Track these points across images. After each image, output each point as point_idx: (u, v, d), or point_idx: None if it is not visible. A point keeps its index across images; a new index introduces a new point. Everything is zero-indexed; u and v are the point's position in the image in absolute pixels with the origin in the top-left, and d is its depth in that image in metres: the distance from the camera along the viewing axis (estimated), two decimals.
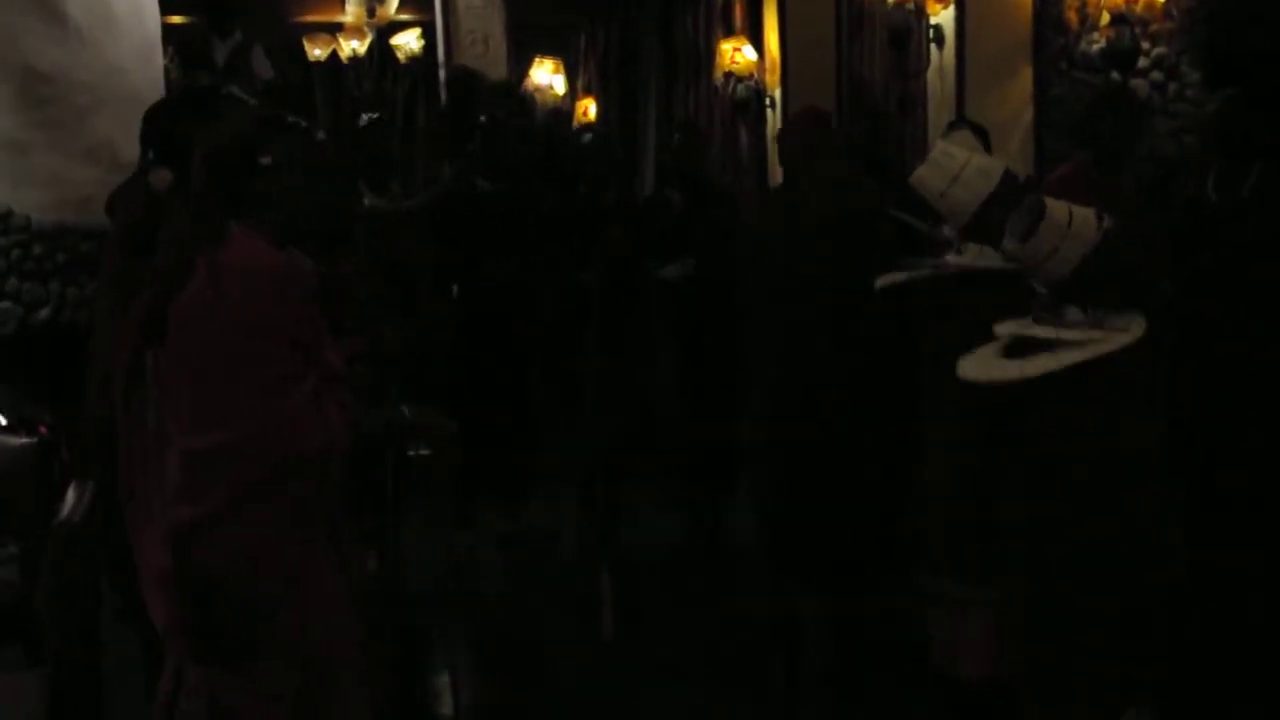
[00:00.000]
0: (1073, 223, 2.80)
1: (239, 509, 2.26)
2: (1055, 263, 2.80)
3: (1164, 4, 5.31)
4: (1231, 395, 3.15)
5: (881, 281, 3.34)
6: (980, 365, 2.78)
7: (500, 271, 5.48)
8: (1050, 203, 2.82)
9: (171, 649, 2.34)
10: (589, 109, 10.94)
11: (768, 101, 7.66)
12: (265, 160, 2.40)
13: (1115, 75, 5.42)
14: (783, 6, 7.54)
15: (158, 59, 6.19)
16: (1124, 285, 2.83)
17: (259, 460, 2.27)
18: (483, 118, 5.56)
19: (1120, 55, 5.35)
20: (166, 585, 2.25)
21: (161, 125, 3.48)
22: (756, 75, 7.67)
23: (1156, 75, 5.47)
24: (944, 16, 5.64)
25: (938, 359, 3.00)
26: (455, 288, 5.60)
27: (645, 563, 5.15)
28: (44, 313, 5.12)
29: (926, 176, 3.10)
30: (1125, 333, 2.74)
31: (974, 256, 3.14)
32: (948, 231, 3.25)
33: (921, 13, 5.64)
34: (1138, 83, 5.45)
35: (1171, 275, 3.32)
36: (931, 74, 5.81)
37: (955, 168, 3.10)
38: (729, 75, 7.71)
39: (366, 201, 5.47)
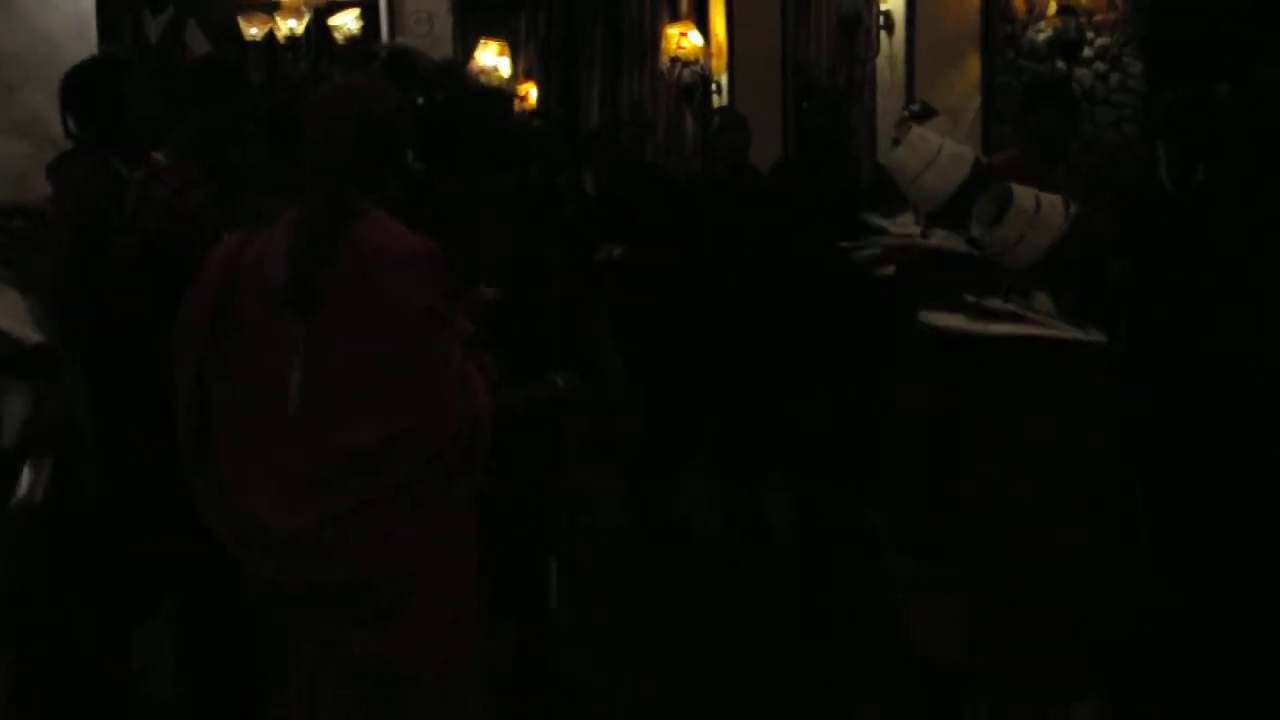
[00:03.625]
0: (1040, 209, 2.82)
1: (397, 492, 2.19)
2: (1023, 249, 2.82)
3: None
4: (1196, 383, 3.21)
5: (860, 256, 3.36)
6: (945, 319, 2.80)
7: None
8: (1017, 190, 2.84)
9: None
10: (530, 93, 10.90)
11: (714, 86, 7.67)
12: (404, 143, 2.36)
13: (1060, 64, 5.49)
14: None
15: (91, 32, 6.05)
16: (1092, 271, 2.86)
17: (418, 448, 2.18)
18: (420, 98, 5.46)
19: (1065, 45, 5.42)
20: (298, 559, 2.18)
21: (83, 89, 3.36)
22: (702, 60, 7.68)
23: (1100, 65, 5.55)
24: (894, 3, 5.69)
25: (906, 334, 3.02)
26: None
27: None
28: None
29: (903, 159, 3.12)
30: (1088, 333, 2.78)
31: (940, 242, 3.17)
32: (913, 218, 3.27)
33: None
34: (1081, 72, 5.53)
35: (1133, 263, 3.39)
36: (881, 60, 5.86)
37: (931, 152, 3.13)
38: (675, 60, 7.71)
39: None
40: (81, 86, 3.37)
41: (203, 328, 2.24)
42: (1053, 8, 5.41)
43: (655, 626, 4.33)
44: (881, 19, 5.75)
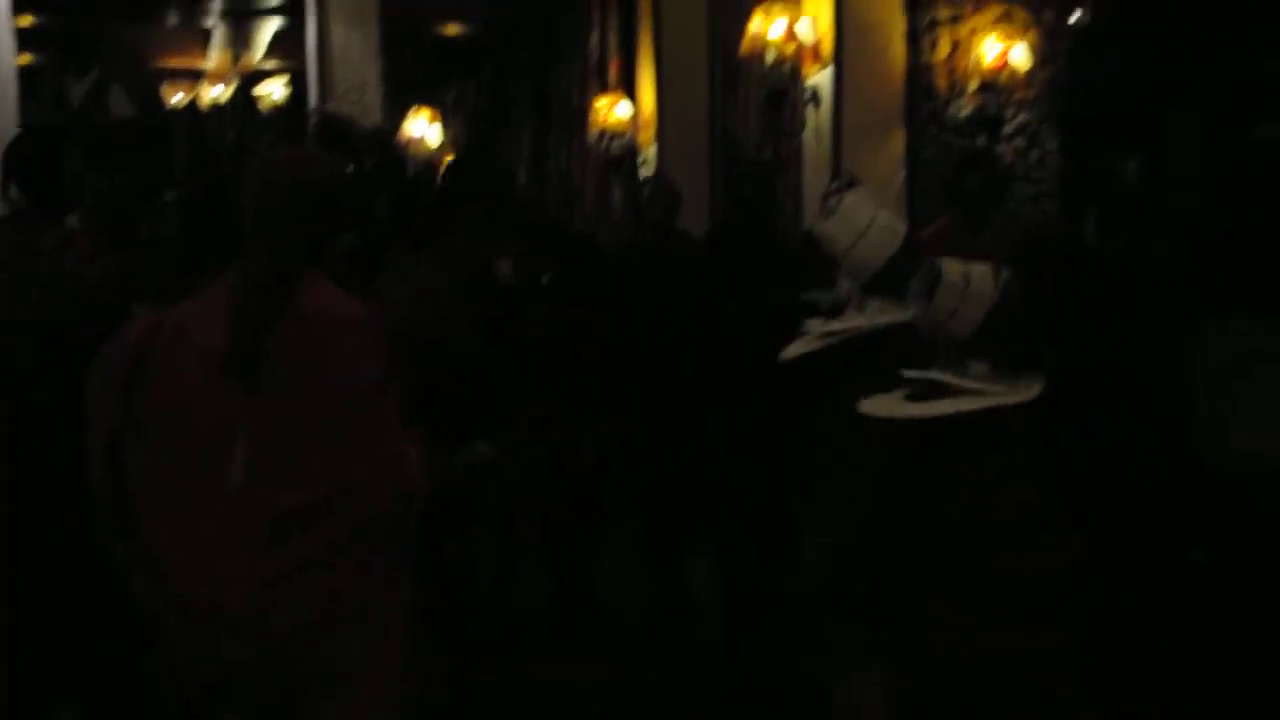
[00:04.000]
0: (970, 282, 2.86)
1: (325, 563, 2.16)
2: (957, 322, 2.85)
3: (1026, 74, 5.54)
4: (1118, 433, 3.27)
5: (790, 352, 3.36)
6: (882, 405, 2.81)
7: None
8: (946, 264, 2.88)
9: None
10: None
11: (641, 159, 7.74)
12: (346, 206, 2.41)
13: (982, 140, 5.63)
14: (658, 64, 7.65)
15: (11, 93, 6.00)
16: (1027, 337, 2.90)
17: (350, 516, 2.17)
18: (351, 166, 5.45)
19: (986, 121, 5.57)
20: (242, 630, 2.13)
21: (24, 159, 3.34)
22: (631, 133, 7.75)
23: (1019, 141, 5.70)
24: (820, 78, 5.79)
25: (840, 407, 3.03)
26: None
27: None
28: None
29: (834, 231, 3.14)
30: (1027, 390, 2.81)
31: (875, 312, 3.19)
32: (845, 288, 3.29)
33: (798, 75, 5.78)
34: (1002, 148, 5.67)
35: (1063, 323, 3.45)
36: (808, 134, 5.95)
37: (862, 224, 3.16)
38: (603, 132, 7.78)
39: None
40: (20, 156, 3.35)
41: (115, 399, 2.21)
42: (974, 85, 5.55)
43: (577, 701, 4.26)
44: (808, 94, 5.85)
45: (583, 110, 8.50)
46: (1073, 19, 5.69)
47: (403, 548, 2.26)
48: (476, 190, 3.66)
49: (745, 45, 5.80)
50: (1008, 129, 5.68)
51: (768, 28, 5.69)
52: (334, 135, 5.63)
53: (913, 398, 2.84)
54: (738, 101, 7.02)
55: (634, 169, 7.78)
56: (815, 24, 5.73)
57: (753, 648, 4.45)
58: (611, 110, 7.80)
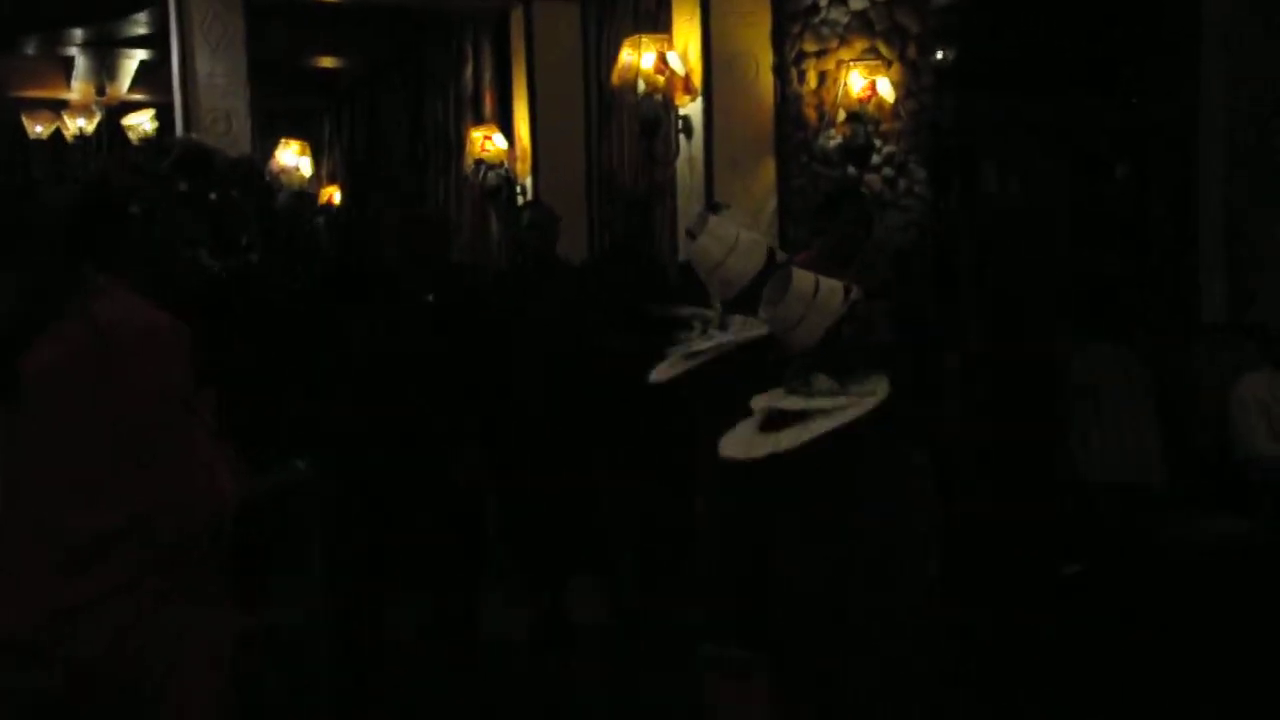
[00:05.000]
0: (819, 293, 2.92)
1: (129, 586, 2.04)
2: (803, 331, 2.91)
3: (893, 106, 5.67)
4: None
5: (658, 375, 3.37)
6: (739, 444, 2.84)
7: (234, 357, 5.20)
8: (797, 273, 2.93)
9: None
10: (334, 195, 10.77)
11: (518, 189, 7.72)
12: (135, 210, 2.22)
13: (851, 170, 5.74)
14: (533, 96, 7.65)
15: None
16: (870, 354, 2.95)
17: (156, 536, 2.06)
18: (213, 194, 5.31)
19: (855, 151, 5.68)
20: (38, 659, 2.00)
21: None
22: (507, 163, 7.73)
23: (888, 171, 5.82)
24: (692, 109, 5.85)
25: (708, 431, 3.04)
26: None
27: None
28: None
29: (706, 246, 3.19)
30: (872, 396, 2.86)
31: (738, 328, 3.23)
32: (713, 307, 3.33)
33: (670, 104, 5.83)
34: (871, 178, 5.79)
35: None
36: (680, 163, 6.00)
37: (730, 239, 3.22)
38: (479, 163, 7.74)
39: None
40: None
41: None
42: (841, 116, 5.65)
43: None
44: (680, 123, 5.90)
45: (459, 142, 8.44)
46: (937, 57, 5.86)
47: (216, 568, 2.17)
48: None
49: (616, 75, 5.83)
50: (876, 159, 5.80)
51: (638, 59, 5.72)
52: (195, 162, 5.49)
53: (765, 427, 2.87)
54: (612, 132, 7.06)
55: (511, 198, 7.75)
56: (685, 56, 5.78)
57: (636, 673, 4.43)
58: (487, 141, 7.77)
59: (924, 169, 5.82)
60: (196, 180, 5.69)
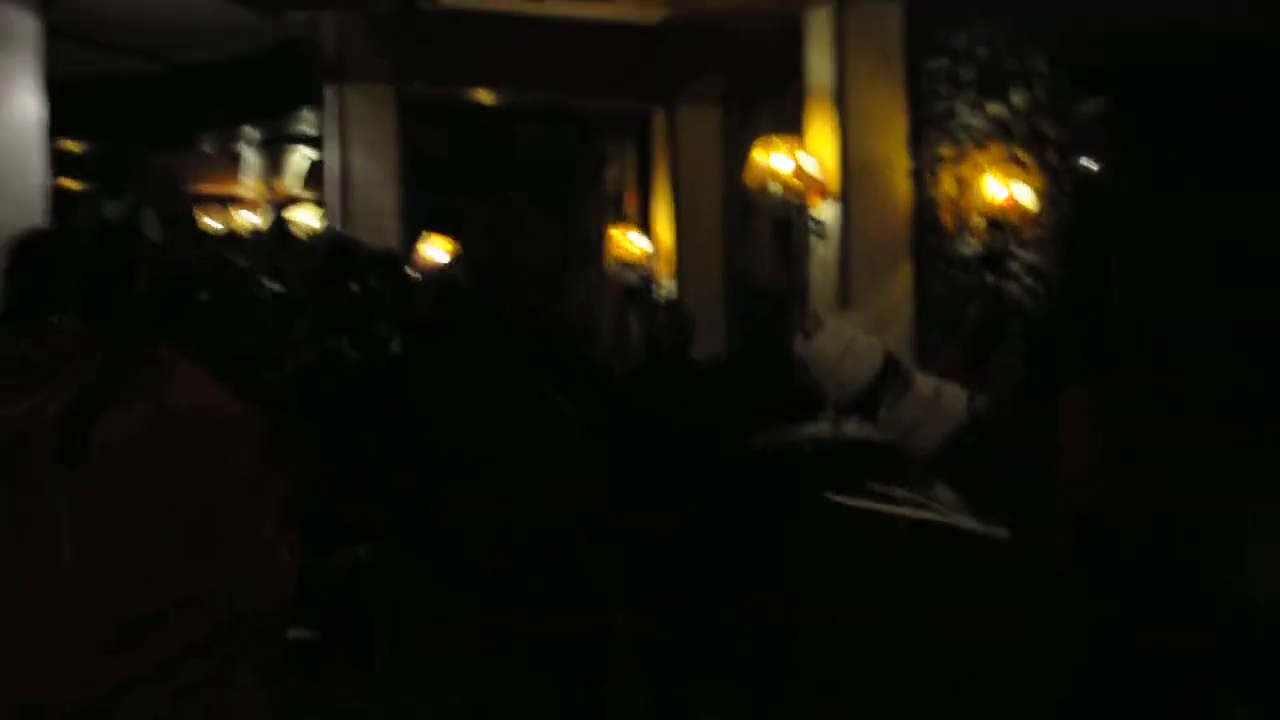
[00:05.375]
0: (940, 399, 2.85)
1: (180, 665, 2.05)
2: (922, 436, 2.84)
3: (1032, 212, 5.56)
4: None
5: (763, 443, 3.34)
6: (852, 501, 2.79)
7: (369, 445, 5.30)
8: (918, 378, 2.87)
9: None
10: None
11: (657, 289, 7.80)
12: (204, 296, 2.31)
13: (989, 277, 5.63)
14: (674, 197, 7.76)
15: (38, 215, 6.11)
16: (997, 468, 2.86)
17: (210, 616, 2.07)
18: (355, 285, 5.48)
19: (993, 258, 5.57)
20: None
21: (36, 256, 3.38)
22: (647, 263, 7.82)
23: (1029, 280, 5.69)
24: (826, 211, 5.83)
25: (813, 515, 2.99)
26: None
27: None
28: None
29: (822, 346, 3.15)
30: (985, 526, 2.77)
31: (855, 428, 3.17)
32: (829, 413, 3.29)
33: (804, 207, 5.83)
34: (1010, 286, 5.67)
35: None
36: (814, 266, 5.97)
37: (847, 340, 3.18)
38: (620, 263, 7.85)
39: None
40: (21, 250, 3.39)
41: None
42: (980, 222, 5.57)
43: None
44: (814, 225, 5.89)
45: (600, 243, 8.59)
46: (1081, 165, 5.74)
47: (262, 654, 2.16)
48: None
49: (749, 176, 5.86)
50: (1015, 267, 5.68)
51: (769, 159, 5.76)
52: (340, 255, 5.70)
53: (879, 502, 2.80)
54: (751, 234, 7.10)
55: (650, 299, 7.83)
56: (820, 159, 5.79)
57: None
58: (628, 241, 7.89)
59: (1066, 278, 5.68)
60: (339, 272, 5.92)
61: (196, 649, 2.06)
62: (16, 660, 2.06)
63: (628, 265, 7.90)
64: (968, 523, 2.74)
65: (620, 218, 8.42)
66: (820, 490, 3.26)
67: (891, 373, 3.09)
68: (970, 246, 5.68)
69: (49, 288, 3.26)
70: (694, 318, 5.40)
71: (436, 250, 7.87)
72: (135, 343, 2.16)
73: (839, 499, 2.87)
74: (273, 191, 11.81)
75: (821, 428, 3.33)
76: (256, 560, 2.13)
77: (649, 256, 7.86)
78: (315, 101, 8.54)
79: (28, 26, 6.07)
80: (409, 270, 6.83)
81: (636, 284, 7.86)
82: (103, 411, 2.07)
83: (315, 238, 7.21)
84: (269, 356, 2.52)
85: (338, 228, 7.54)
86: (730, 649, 4.86)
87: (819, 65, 5.84)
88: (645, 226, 8.03)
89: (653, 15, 7.29)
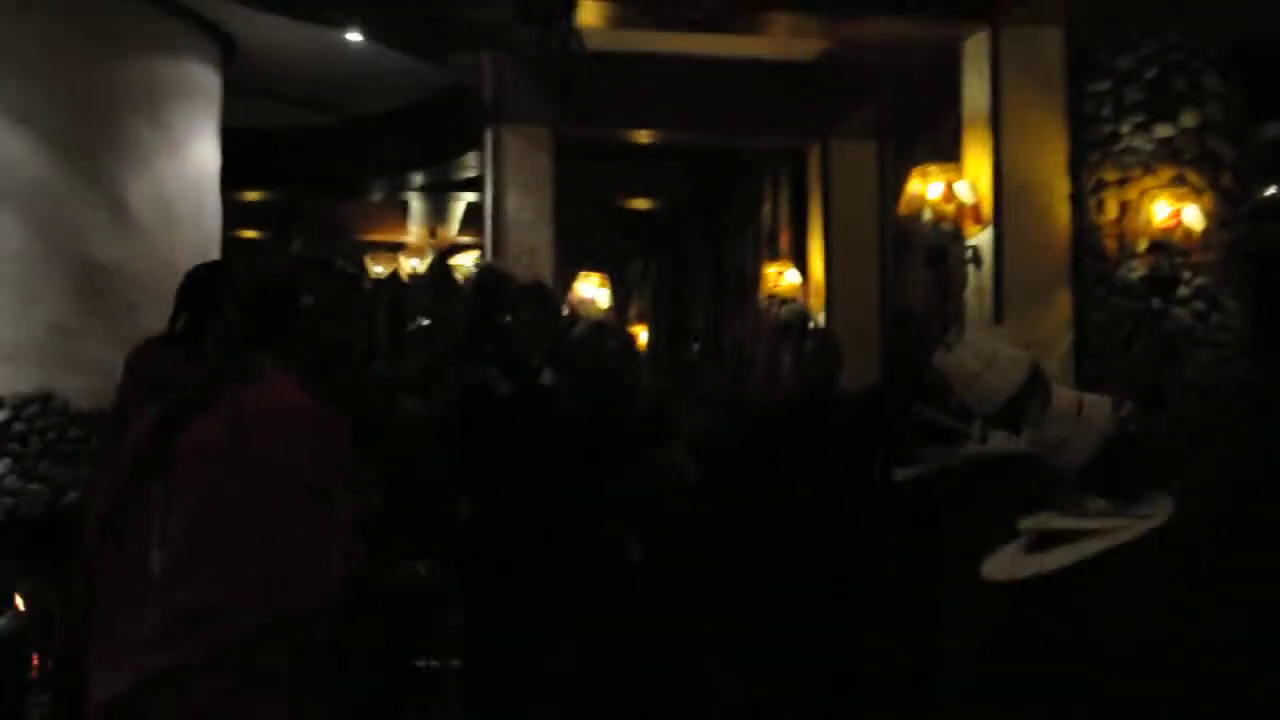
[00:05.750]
0: (1083, 411, 2.72)
1: (215, 665, 2.06)
2: (1068, 452, 2.71)
3: (1202, 235, 5.32)
4: None
5: (903, 474, 3.24)
6: (1002, 563, 2.66)
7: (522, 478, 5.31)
8: (1059, 391, 2.75)
9: None
10: (641, 334, 11.11)
11: (811, 324, 7.69)
12: (307, 301, 2.31)
13: (1157, 302, 5.39)
14: (828, 231, 7.68)
15: (214, 256, 6.36)
16: (1145, 478, 2.71)
17: (250, 616, 2.08)
18: (507, 317, 5.54)
19: (1160, 283, 5.34)
20: None
21: (202, 285, 3.51)
22: (800, 298, 7.75)
23: (1198, 305, 5.44)
24: (982, 239, 5.69)
25: (962, 549, 2.87)
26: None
27: None
28: (72, 495, 5.10)
29: (963, 358, 3.04)
30: (1149, 519, 2.62)
31: (997, 443, 3.05)
32: (975, 427, 3.17)
33: (959, 234, 5.70)
34: (1179, 311, 5.42)
35: None
36: (970, 294, 5.82)
37: (989, 353, 3.06)
38: (773, 297, 7.80)
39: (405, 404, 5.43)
40: (193, 282, 3.53)
41: (112, 486, 2.22)
42: (1144, 245, 5.35)
43: None
44: (969, 253, 5.74)
45: (756, 279, 8.56)
46: (1266, 192, 5.48)
47: (297, 662, 2.13)
48: None
49: (903, 204, 5.76)
50: (1185, 291, 5.43)
51: (926, 188, 5.65)
52: (490, 287, 5.77)
53: (1031, 549, 2.67)
54: (907, 269, 6.97)
55: (803, 333, 7.73)
56: (975, 186, 5.66)
57: None
58: (781, 277, 7.83)
59: (1238, 302, 5.41)
60: (490, 304, 6.00)
61: (235, 648, 2.07)
62: (93, 653, 2.13)
63: (780, 300, 7.83)
64: (1126, 530, 2.60)
65: (774, 254, 8.37)
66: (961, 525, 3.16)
67: (1036, 386, 2.96)
68: (1135, 271, 5.45)
69: (211, 315, 3.40)
70: (842, 347, 5.33)
71: (589, 287, 7.93)
72: (230, 354, 2.22)
73: (989, 573, 2.74)
74: (436, 238, 12.17)
75: (970, 446, 3.22)
76: (307, 562, 2.13)
77: (802, 291, 7.79)
78: (477, 146, 8.76)
79: (208, 81, 6.37)
80: (558, 304, 6.91)
81: (788, 319, 7.78)
82: (188, 422, 2.14)
83: (475, 272, 7.35)
84: (369, 354, 2.52)
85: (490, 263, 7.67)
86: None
87: (976, 92, 5.72)
88: (800, 262, 7.97)
89: (808, 51, 7.28)
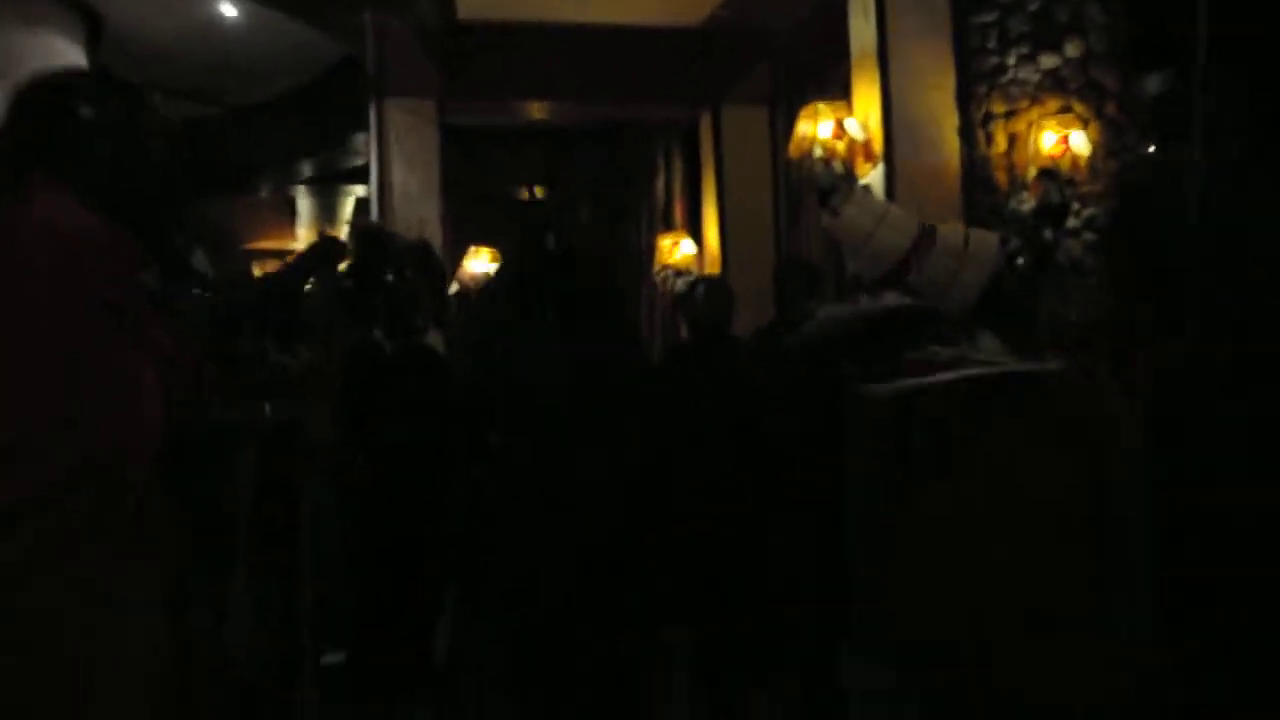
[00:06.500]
0: (970, 245, 2.61)
1: (14, 517, 1.79)
2: (959, 289, 2.60)
3: (1089, 163, 5.28)
4: None
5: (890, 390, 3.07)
6: (883, 390, 2.52)
7: (406, 435, 5.12)
8: (942, 228, 2.65)
9: None
10: None
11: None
12: (85, 113, 2.08)
13: (1048, 234, 5.33)
14: (722, 200, 7.58)
15: None
16: (1038, 311, 2.60)
17: (45, 461, 1.81)
18: (390, 275, 5.35)
19: (1050, 211, 5.28)
20: None
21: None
22: (696, 268, 7.62)
23: (1088, 235, 5.39)
24: (873, 176, 5.60)
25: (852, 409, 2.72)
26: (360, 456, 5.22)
27: None
28: None
29: (855, 217, 2.92)
30: (1041, 364, 2.50)
31: (891, 301, 2.91)
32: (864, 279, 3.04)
33: (850, 172, 5.60)
34: (1070, 242, 5.37)
35: None
36: None
37: (881, 210, 2.96)
38: (666, 268, 7.66)
39: (271, 359, 5.20)
40: None
41: None
42: (1032, 174, 5.30)
43: None
44: (859, 189, 5.64)
45: (650, 253, 8.43)
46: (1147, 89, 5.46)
47: (125, 507, 1.89)
48: None
49: (793, 146, 5.66)
50: (1075, 223, 5.39)
51: (815, 127, 5.55)
52: (372, 242, 5.57)
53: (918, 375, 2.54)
54: (802, 225, 6.88)
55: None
56: (865, 125, 5.58)
57: None
58: (675, 248, 7.70)
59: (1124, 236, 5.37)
60: (374, 260, 5.78)
61: (49, 491, 1.81)
62: None
63: (676, 271, 7.70)
64: (1018, 365, 2.48)
65: (670, 228, 8.25)
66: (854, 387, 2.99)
67: (926, 245, 2.85)
68: (1025, 203, 5.40)
69: None
70: (733, 293, 5.20)
71: (480, 263, 7.72)
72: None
73: (873, 389, 2.62)
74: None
75: (842, 308, 3.08)
76: (109, 395, 1.89)
77: (697, 261, 7.66)
78: (365, 128, 8.54)
79: (74, 60, 6.07)
80: (444, 265, 6.70)
81: (682, 289, 7.65)
82: None
83: (354, 229, 7.11)
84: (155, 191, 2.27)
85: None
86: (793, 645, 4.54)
87: (863, 31, 5.65)
88: (696, 233, 7.85)
89: (696, 16, 7.19)
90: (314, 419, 2.62)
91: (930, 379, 2.42)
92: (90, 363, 1.88)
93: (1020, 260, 2.71)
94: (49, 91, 2.11)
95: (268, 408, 2.44)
